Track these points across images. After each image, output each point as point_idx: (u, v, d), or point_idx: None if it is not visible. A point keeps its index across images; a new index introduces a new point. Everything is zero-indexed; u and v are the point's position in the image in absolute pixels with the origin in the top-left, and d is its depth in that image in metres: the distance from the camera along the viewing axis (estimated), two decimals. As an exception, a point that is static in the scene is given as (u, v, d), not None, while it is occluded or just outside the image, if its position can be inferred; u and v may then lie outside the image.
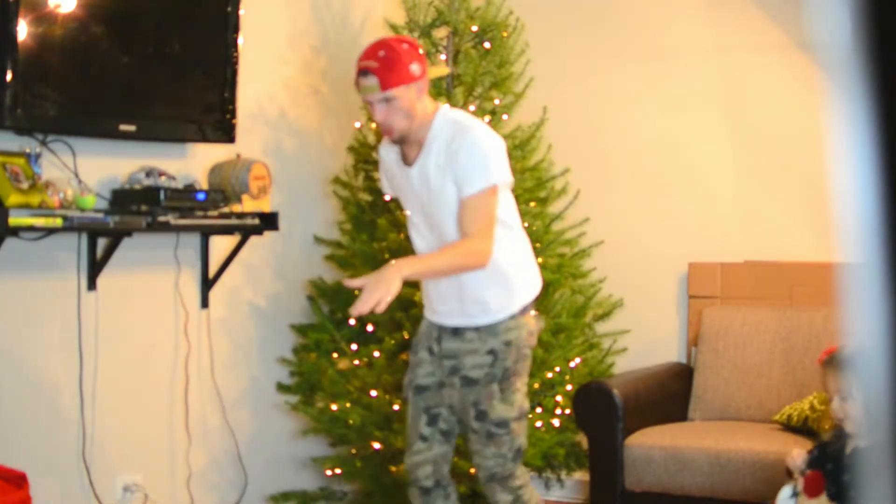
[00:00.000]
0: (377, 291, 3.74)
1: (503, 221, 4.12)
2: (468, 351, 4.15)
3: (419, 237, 4.27)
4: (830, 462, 3.98)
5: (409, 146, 4.17)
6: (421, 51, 4.10)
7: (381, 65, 3.99)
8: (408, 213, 4.32)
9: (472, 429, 4.17)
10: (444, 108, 4.17)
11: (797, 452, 4.07)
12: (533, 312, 4.28)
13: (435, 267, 4.02)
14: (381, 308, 3.75)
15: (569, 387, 5.79)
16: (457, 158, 3.99)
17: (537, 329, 4.30)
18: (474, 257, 4.00)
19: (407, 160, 4.20)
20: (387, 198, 4.62)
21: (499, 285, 4.14)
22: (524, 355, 4.20)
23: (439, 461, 4.32)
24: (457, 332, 4.19)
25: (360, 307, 3.75)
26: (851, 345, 0.99)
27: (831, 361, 4.03)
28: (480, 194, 4.00)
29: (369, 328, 5.77)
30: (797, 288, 6.10)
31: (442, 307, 4.24)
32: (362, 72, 4.02)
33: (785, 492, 4.09)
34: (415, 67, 4.03)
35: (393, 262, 3.89)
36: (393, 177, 4.33)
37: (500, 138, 4.13)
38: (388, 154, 4.33)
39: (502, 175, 4.06)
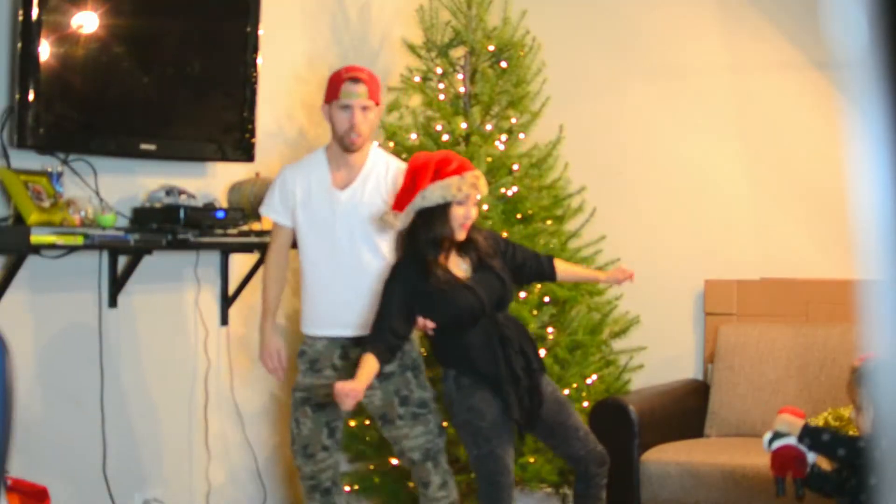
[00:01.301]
0: None
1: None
2: None
3: (325, 263, 4.76)
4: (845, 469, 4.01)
5: (342, 170, 4.73)
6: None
7: (370, 78, 4.70)
8: (312, 240, 4.79)
9: (398, 416, 4.70)
10: (375, 145, 4.89)
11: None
12: None
13: None
14: None
15: (585, 403, 5.80)
16: (395, 184, 4.65)
17: None
18: None
19: (336, 184, 4.74)
20: (273, 219, 4.91)
21: None
22: (419, 352, 4.84)
23: (336, 466, 4.88)
24: (359, 342, 4.61)
25: None
26: (870, 359, 1.00)
27: (853, 375, 4.08)
28: None
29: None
30: (813, 305, 6.12)
31: (348, 317, 4.70)
32: (354, 79, 4.65)
33: (767, 436, 4.17)
34: (380, 96, 4.78)
35: None
36: (306, 199, 4.76)
37: None
38: (299, 178, 4.80)
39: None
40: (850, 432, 5.22)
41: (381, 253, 4.70)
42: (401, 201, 4.52)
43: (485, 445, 4.49)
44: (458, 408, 4.54)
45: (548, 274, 4.84)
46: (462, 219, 4.50)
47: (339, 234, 4.71)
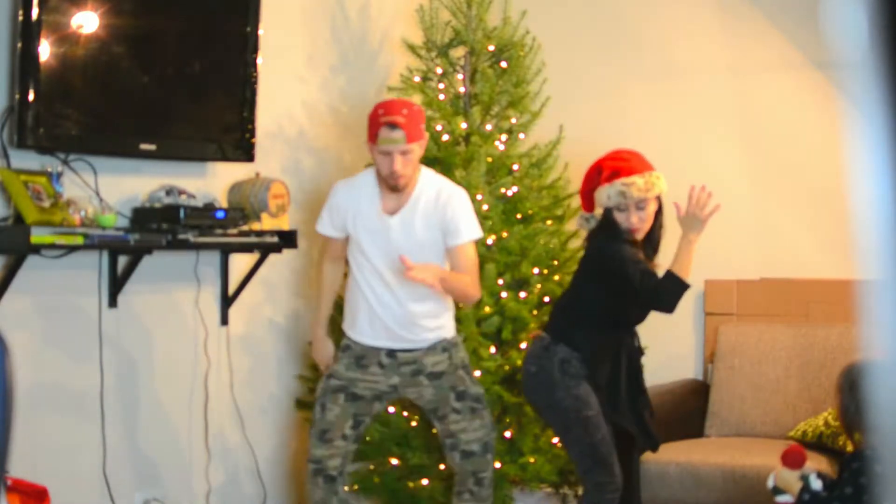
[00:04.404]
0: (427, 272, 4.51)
1: None
2: (425, 351, 4.81)
3: (378, 279, 4.78)
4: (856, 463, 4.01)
5: (391, 196, 4.71)
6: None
7: (408, 120, 4.59)
8: (367, 255, 4.79)
9: (453, 410, 4.80)
10: (425, 169, 4.85)
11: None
12: None
13: (453, 283, 4.71)
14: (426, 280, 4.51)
15: (585, 403, 5.80)
16: (446, 211, 4.68)
17: None
18: (472, 296, 4.85)
19: (386, 209, 4.73)
20: (325, 232, 4.97)
21: (444, 314, 4.88)
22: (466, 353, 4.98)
23: (347, 457, 4.90)
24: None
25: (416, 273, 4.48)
26: (869, 359, 1.00)
27: (842, 380, 4.08)
28: (470, 243, 4.76)
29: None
30: (813, 305, 6.12)
31: (391, 334, 4.81)
32: (390, 125, 4.56)
33: (770, 482, 4.21)
34: (423, 128, 4.71)
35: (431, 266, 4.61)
36: (356, 220, 4.77)
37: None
38: (351, 199, 4.81)
39: (480, 232, 4.82)
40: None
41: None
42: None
43: (596, 433, 4.63)
44: (559, 391, 4.64)
45: None
46: (625, 223, 4.65)
47: (386, 257, 4.73)
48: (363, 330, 4.85)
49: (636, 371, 4.86)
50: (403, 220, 4.71)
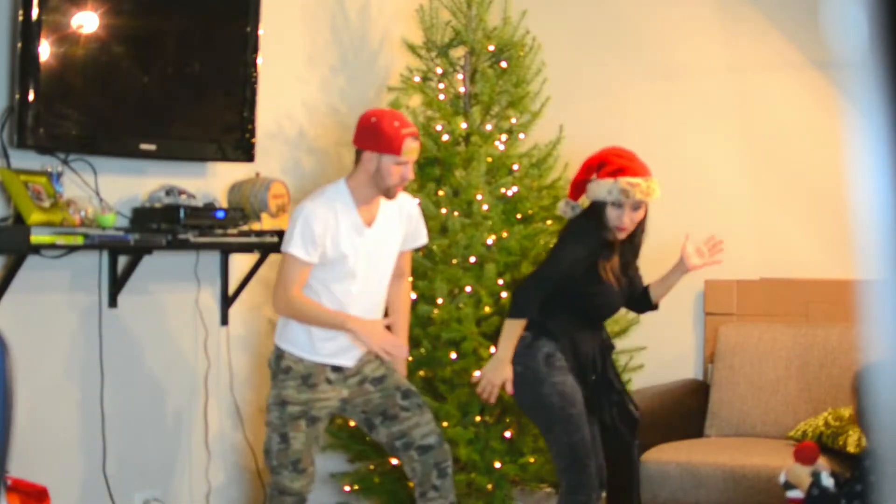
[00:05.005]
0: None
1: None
2: (364, 363, 4.78)
3: (353, 289, 4.69)
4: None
5: (366, 207, 4.67)
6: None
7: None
8: (340, 275, 4.67)
9: (402, 408, 4.80)
10: None
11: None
12: None
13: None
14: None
15: (585, 403, 5.80)
16: (411, 219, 4.84)
17: None
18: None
19: (365, 222, 4.68)
20: (314, 261, 4.54)
21: None
22: None
23: (314, 480, 4.88)
24: None
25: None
26: (871, 360, 1.00)
27: (854, 384, 4.10)
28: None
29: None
30: (813, 305, 6.12)
31: (354, 351, 4.76)
32: (414, 136, 4.62)
33: (782, 477, 4.27)
34: None
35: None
36: (337, 241, 4.59)
37: None
38: (331, 220, 4.57)
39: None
40: (850, 433, 5.23)
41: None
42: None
43: (576, 433, 4.62)
44: (546, 387, 4.63)
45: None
46: (615, 221, 4.63)
47: (363, 268, 4.67)
48: (319, 349, 4.69)
49: (611, 365, 4.91)
50: (377, 230, 4.69)
